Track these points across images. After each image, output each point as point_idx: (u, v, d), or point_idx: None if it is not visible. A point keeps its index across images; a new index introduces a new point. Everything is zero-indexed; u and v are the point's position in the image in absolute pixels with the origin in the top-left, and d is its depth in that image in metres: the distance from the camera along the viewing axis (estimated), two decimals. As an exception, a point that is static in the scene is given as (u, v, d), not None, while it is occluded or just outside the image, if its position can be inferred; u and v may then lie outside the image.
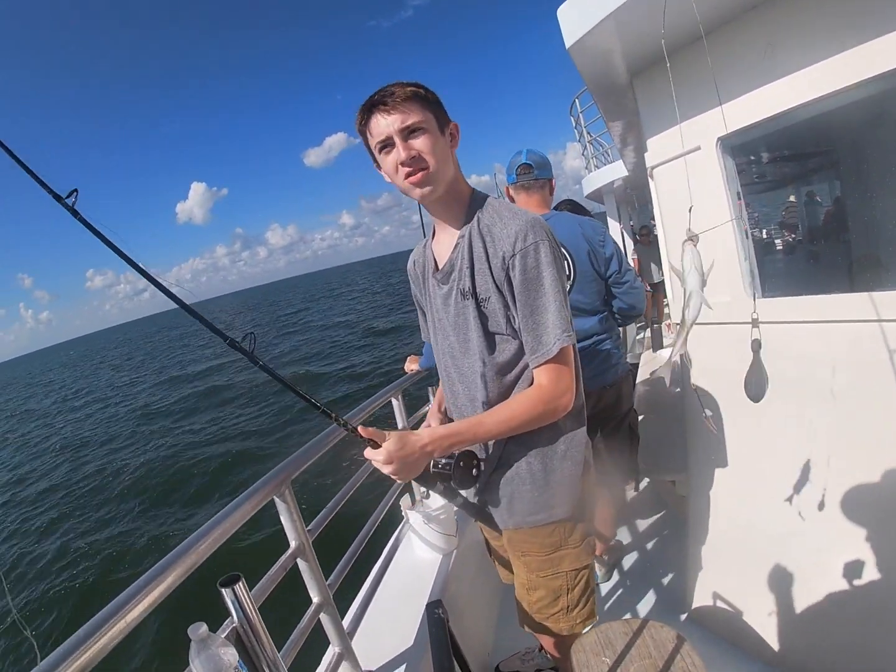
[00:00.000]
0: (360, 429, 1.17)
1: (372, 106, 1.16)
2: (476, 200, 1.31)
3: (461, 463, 1.27)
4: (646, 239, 8.65)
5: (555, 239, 1.25)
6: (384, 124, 1.16)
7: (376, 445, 1.16)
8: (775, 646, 1.87)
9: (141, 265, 1.10)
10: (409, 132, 1.16)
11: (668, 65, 1.19)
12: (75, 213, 1.06)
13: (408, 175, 1.19)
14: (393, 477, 1.17)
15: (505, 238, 1.20)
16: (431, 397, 2.72)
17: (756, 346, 1.23)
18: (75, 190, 1.04)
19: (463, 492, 1.40)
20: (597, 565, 2.63)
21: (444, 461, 1.26)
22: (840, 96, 1.50)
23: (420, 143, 1.17)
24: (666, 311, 7.15)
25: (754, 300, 1.16)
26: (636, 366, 4.91)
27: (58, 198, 1.05)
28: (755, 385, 1.23)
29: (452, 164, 1.26)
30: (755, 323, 1.19)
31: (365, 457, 1.18)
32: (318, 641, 1.51)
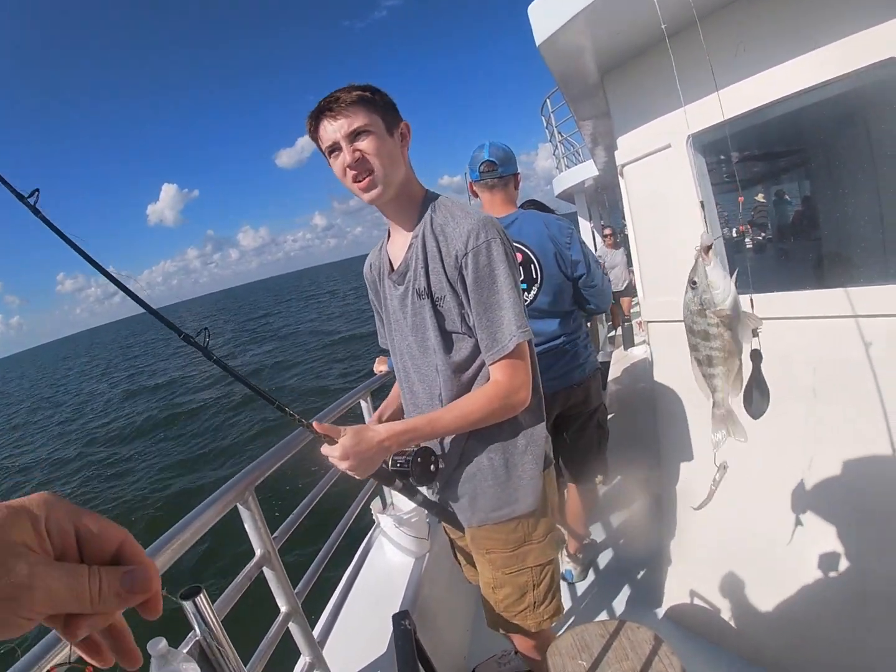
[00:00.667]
0: (315, 424, 1.17)
1: (319, 112, 1.18)
2: (428, 200, 1.32)
3: (419, 459, 1.29)
4: (609, 240, 7.89)
5: (507, 237, 1.26)
6: (331, 130, 1.17)
7: (333, 442, 1.15)
8: (752, 641, 1.88)
9: (105, 266, 1.10)
10: (354, 136, 1.17)
11: (670, 52, 1.17)
12: (37, 212, 1.06)
13: (354, 179, 1.20)
14: (350, 473, 1.18)
15: (457, 237, 1.21)
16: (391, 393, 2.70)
17: (756, 356, 1.07)
18: (37, 189, 1.05)
19: (423, 489, 1.42)
20: (571, 564, 2.63)
21: (401, 458, 1.28)
22: (810, 94, 1.51)
23: (365, 145, 1.17)
24: (636, 309, 7.20)
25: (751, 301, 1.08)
26: (607, 364, 4.93)
27: (20, 197, 1.05)
28: (753, 399, 1.12)
29: (403, 165, 1.27)
30: (755, 332, 1.00)
31: (322, 453, 1.17)
32: (288, 651, 1.47)
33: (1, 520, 0.33)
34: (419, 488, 1.40)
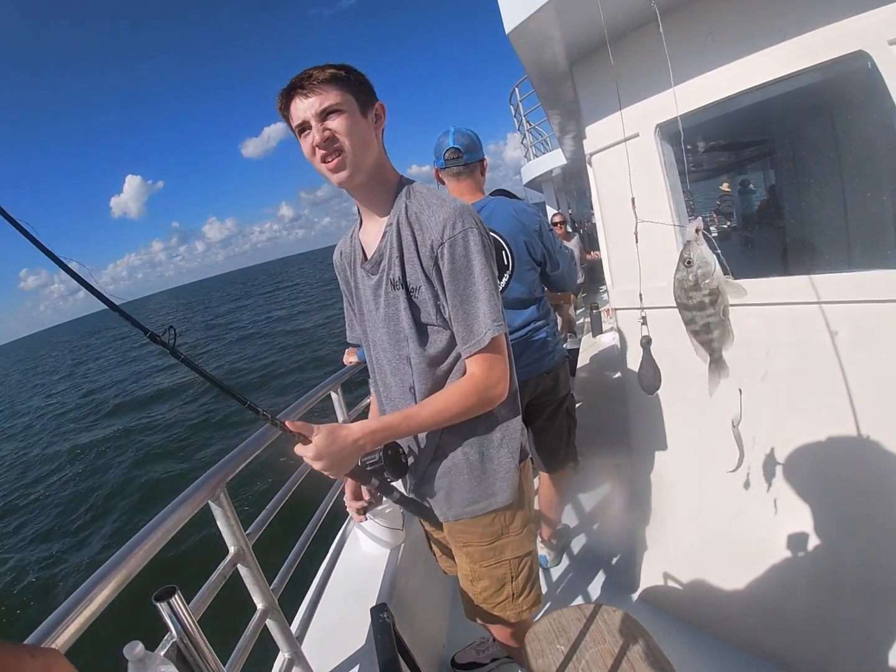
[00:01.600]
0: (287, 423, 1.12)
1: (290, 90, 1.13)
2: (403, 186, 1.28)
3: (389, 452, 1.27)
4: (561, 229, 6.47)
5: (484, 226, 1.23)
6: (302, 108, 1.12)
7: (306, 440, 1.11)
8: (727, 621, 1.92)
9: (67, 261, 1.01)
10: (325, 114, 1.12)
11: (663, 37, 1.17)
12: None
13: (323, 159, 1.16)
14: (325, 473, 1.15)
15: (433, 226, 1.17)
16: (372, 390, 2.68)
17: (645, 341, 1.33)
18: None
19: (398, 485, 1.39)
20: (546, 549, 2.66)
21: (371, 457, 1.25)
22: (777, 86, 1.53)
23: (335, 123, 1.13)
24: (605, 297, 7.27)
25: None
26: (576, 351, 4.98)
27: None
28: (647, 377, 1.33)
29: (376, 148, 1.22)
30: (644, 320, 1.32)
31: (296, 452, 1.14)
32: (267, 648, 1.46)
33: None
34: (394, 485, 1.37)
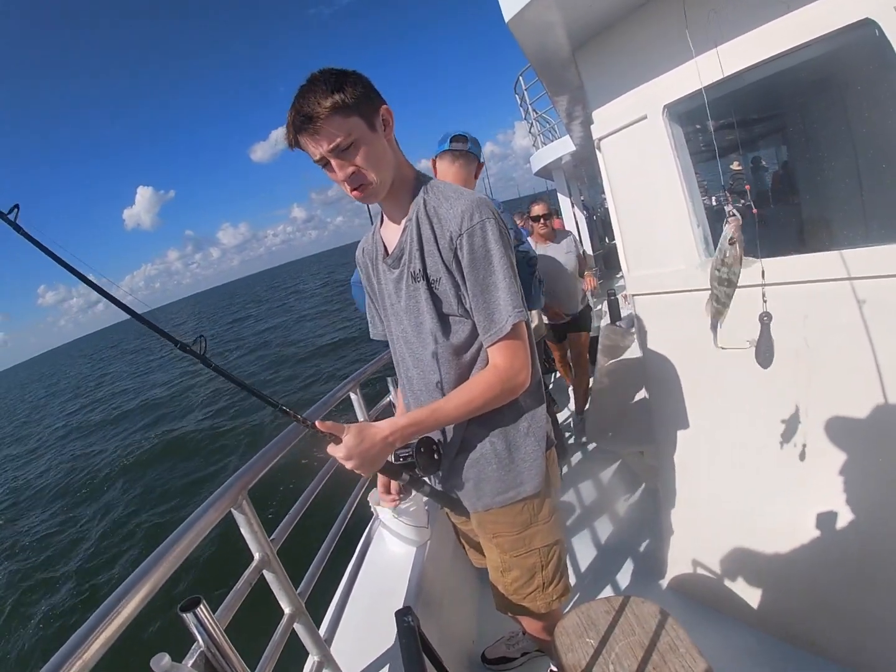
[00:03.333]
0: (318, 424, 1.14)
1: (296, 131, 1.12)
2: (420, 182, 1.29)
3: (422, 449, 1.28)
4: (543, 227, 4.16)
5: (501, 217, 1.24)
6: (314, 148, 1.13)
7: (337, 440, 1.14)
8: (756, 607, 1.90)
9: (91, 277, 1.05)
10: (340, 150, 1.12)
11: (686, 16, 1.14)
12: (18, 229, 1.01)
13: (351, 190, 1.18)
14: (356, 472, 1.17)
15: (451, 218, 1.19)
16: (391, 388, 2.69)
17: (766, 317, 1.29)
18: (16, 205, 1.01)
19: (428, 479, 1.41)
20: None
21: (404, 451, 1.26)
22: (783, 60, 1.49)
23: (356, 159, 1.14)
24: (621, 282, 7.20)
25: (762, 264, 1.22)
26: (596, 338, 4.93)
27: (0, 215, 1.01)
28: (764, 353, 1.31)
29: (391, 157, 1.23)
30: (764, 296, 1.29)
31: (328, 452, 1.16)
32: (296, 652, 1.47)
33: None
34: (425, 479, 1.39)
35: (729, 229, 1.20)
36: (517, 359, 1.23)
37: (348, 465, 1.14)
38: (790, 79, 1.67)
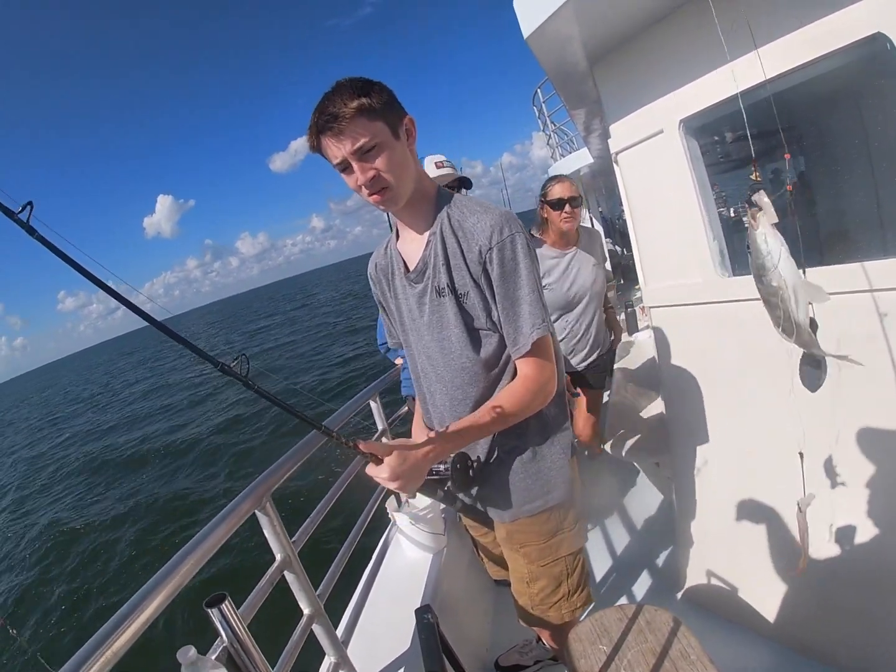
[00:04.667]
0: (360, 444, 1.12)
1: (319, 131, 1.11)
2: (443, 198, 1.29)
3: (458, 465, 1.29)
4: (560, 222, 2.69)
5: (526, 231, 1.24)
6: (336, 149, 1.11)
7: (377, 459, 1.11)
8: (771, 619, 1.89)
9: (110, 285, 0.94)
10: (362, 153, 1.11)
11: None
12: (31, 231, 0.87)
13: (370, 194, 1.17)
14: (398, 491, 1.16)
15: (479, 232, 1.19)
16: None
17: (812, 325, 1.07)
18: (29, 203, 0.86)
19: (459, 493, 1.41)
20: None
21: (441, 467, 1.27)
22: (798, 74, 1.51)
23: (376, 162, 1.13)
24: (638, 294, 7.18)
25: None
26: (613, 351, 4.92)
27: (8, 213, 0.86)
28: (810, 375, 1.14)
29: (413, 166, 1.23)
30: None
31: (367, 474, 1.14)
32: (314, 652, 1.49)
33: None
34: (458, 495, 1.40)
35: (765, 236, 0.93)
36: (546, 369, 1.24)
37: (392, 486, 1.11)
38: (806, 92, 1.69)
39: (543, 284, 2.16)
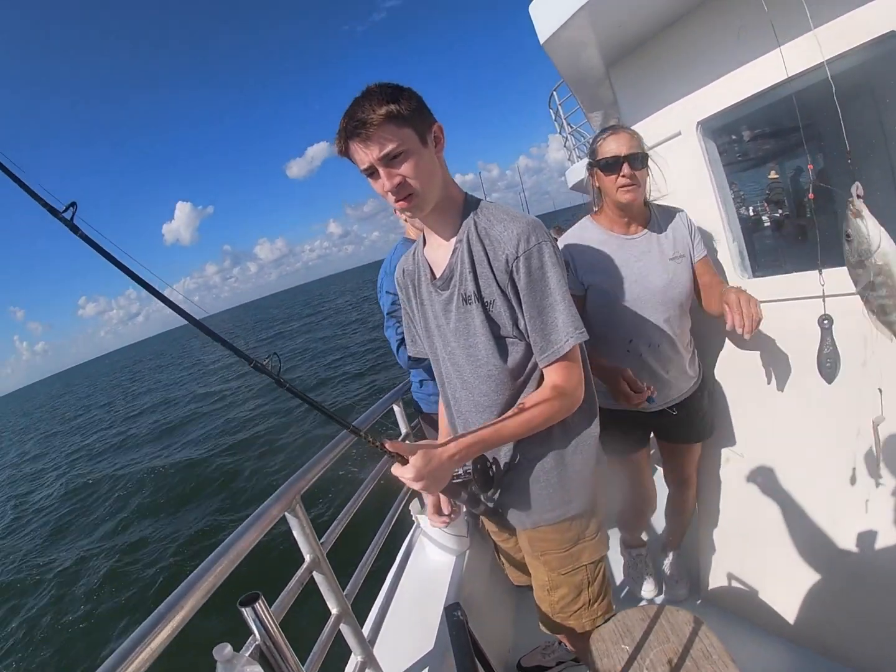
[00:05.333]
0: (387, 444, 1.12)
1: (348, 136, 1.12)
2: (470, 204, 1.29)
3: (478, 466, 1.29)
4: (617, 193, 1.81)
5: (554, 240, 1.24)
6: (363, 154, 1.12)
7: (403, 460, 1.11)
8: (793, 621, 1.88)
9: (152, 284, 0.95)
10: (389, 159, 1.12)
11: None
12: (75, 229, 0.89)
13: (396, 200, 1.17)
14: (422, 491, 1.15)
15: (506, 240, 1.19)
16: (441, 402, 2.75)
17: (826, 321, 1.16)
18: (73, 203, 0.89)
19: (483, 497, 1.40)
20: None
21: (463, 469, 1.27)
22: (814, 73, 1.51)
23: (403, 168, 1.13)
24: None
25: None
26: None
27: (53, 211, 0.88)
28: (827, 364, 1.17)
29: (440, 173, 1.23)
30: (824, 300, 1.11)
31: (393, 473, 1.15)
32: (340, 651, 1.51)
33: None
34: (481, 497, 1.38)
35: (866, 222, 0.96)
36: (573, 377, 1.24)
37: (417, 486, 1.12)
38: (824, 90, 1.68)
39: (587, 283, 1.79)
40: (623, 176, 1.70)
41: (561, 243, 1.87)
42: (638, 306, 1.79)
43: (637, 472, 2.16)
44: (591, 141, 1.92)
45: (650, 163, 1.75)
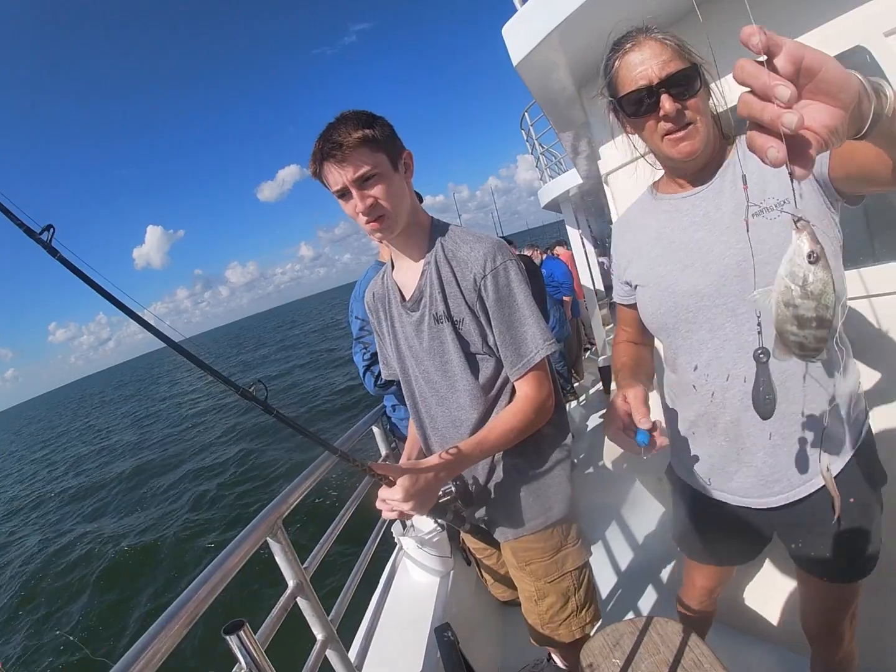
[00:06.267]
0: (373, 466, 1.14)
1: (323, 158, 1.16)
2: (436, 228, 1.35)
3: (457, 482, 1.32)
4: (662, 145, 1.06)
5: (519, 259, 1.30)
6: (337, 175, 1.16)
7: (389, 481, 1.13)
8: (777, 624, 1.89)
9: (131, 307, 0.93)
10: (363, 181, 1.17)
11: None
12: (53, 252, 0.88)
13: (367, 222, 1.21)
14: (411, 512, 1.16)
15: (473, 261, 1.24)
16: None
17: (763, 355, 0.87)
18: (50, 225, 0.87)
19: (465, 513, 1.43)
20: None
21: (443, 489, 1.28)
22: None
23: (375, 191, 1.18)
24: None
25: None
26: (608, 368, 4.95)
27: (31, 233, 0.86)
28: (763, 399, 0.93)
29: (409, 198, 1.28)
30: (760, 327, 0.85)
31: (381, 496, 1.15)
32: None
33: None
34: (464, 514, 1.41)
35: (804, 241, 0.63)
36: (544, 388, 1.29)
37: (405, 507, 1.12)
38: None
39: (633, 282, 1.27)
40: (665, 117, 1.02)
41: (614, 229, 1.43)
42: (694, 308, 1.13)
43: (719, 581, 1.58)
44: (604, 60, 1.15)
45: (707, 70, 1.07)
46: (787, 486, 1.15)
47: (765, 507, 1.20)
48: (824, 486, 1.05)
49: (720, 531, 1.34)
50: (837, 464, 1.14)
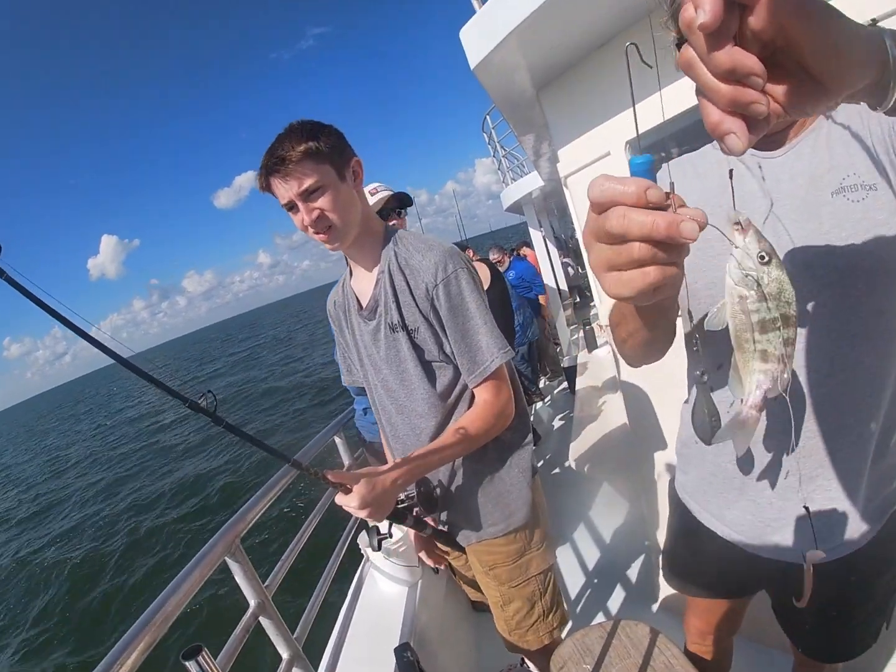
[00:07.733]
0: (329, 474, 1.15)
1: (268, 173, 1.17)
2: (389, 235, 1.34)
3: (421, 489, 1.34)
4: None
5: (470, 264, 1.30)
6: (283, 190, 1.17)
7: (346, 489, 1.14)
8: (755, 622, 1.90)
9: (79, 325, 0.90)
10: (308, 194, 1.17)
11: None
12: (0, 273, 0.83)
13: (315, 233, 1.22)
14: (368, 519, 1.18)
15: (425, 269, 1.24)
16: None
17: (703, 375, 0.87)
18: None
19: (428, 519, 1.44)
20: None
21: (406, 493, 1.31)
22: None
23: (321, 202, 1.18)
24: (595, 311, 7.30)
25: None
26: (574, 368, 4.98)
27: None
28: (701, 423, 0.91)
29: (359, 206, 1.28)
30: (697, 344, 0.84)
31: (337, 503, 1.17)
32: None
33: None
34: (426, 519, 1.42)
35: (752, 241, 0.54)
36: (503, 394, 1.30)
37: (362, 514, 1.14)
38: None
39: None
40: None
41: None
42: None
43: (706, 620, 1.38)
44: None
45: None
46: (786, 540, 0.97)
47: (754, 553, 1.02)
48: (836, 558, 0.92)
49: (709, 561, 1.17)
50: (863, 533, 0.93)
